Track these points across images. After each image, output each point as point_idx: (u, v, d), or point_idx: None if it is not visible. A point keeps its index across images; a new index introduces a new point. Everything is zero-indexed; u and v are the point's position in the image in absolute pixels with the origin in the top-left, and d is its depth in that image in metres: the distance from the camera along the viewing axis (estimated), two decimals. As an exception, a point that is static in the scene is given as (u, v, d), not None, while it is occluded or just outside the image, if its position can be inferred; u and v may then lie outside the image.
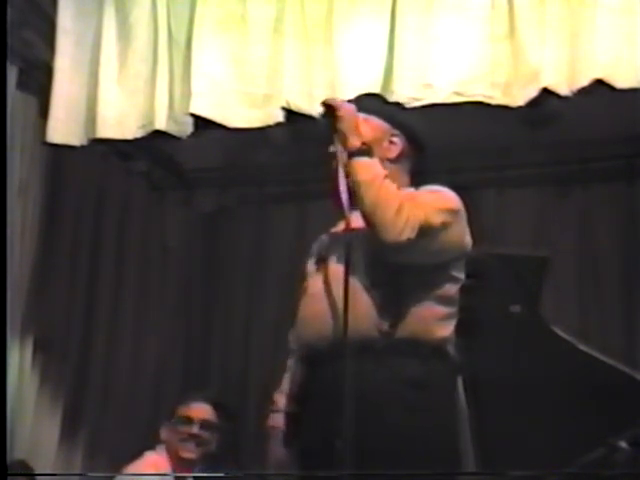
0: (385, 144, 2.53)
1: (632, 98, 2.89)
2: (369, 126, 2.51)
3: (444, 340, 2.43)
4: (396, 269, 2.37)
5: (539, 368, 2.96)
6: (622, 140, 4.05)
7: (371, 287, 2.38)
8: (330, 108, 2.46)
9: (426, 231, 2.31)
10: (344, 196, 2.35)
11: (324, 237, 2.62)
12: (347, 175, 2.40)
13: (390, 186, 2.38)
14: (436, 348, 2.40)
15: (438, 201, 2.40)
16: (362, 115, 2.50)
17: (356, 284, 2.35)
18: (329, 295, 2.41)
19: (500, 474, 2.29)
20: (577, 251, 4.26)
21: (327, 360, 2.34)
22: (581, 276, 4.23)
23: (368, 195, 2.34)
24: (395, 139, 2.54)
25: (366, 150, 2.42)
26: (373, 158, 2.43)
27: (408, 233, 2.29)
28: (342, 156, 2.41)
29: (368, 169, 2.39)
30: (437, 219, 2.34)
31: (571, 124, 3.76)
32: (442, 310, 2.43)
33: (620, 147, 4.10)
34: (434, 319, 2.41)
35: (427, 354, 2.38)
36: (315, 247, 2.63)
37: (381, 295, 2.38)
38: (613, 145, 4.11)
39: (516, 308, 3.10)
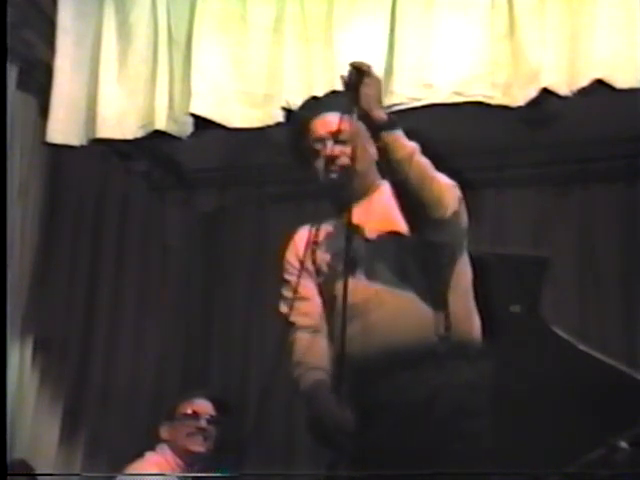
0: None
1: (632, 98, 2.89)
2: None
3: (477, 336, 2.42)
4: (436, 267, 2.35)
5: (539, 368, 2.96)
6: (622, 140, 4.05)
7: (422, 291, 2.35)
8: (359, 71, 2.28)
9: (458, 207, 2.31)
10: None
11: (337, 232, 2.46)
12: (380, 150, 2.28)
13: (425, 160, 2.30)
14: (480, 349, 2.39)
15: (446, 177, 2.37)
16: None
17: (409, 291, 2.34)
18: (379, 307, 2.34)
19: (500, 473, 2.30)
20: (577, 251, 4.26)
21: (383, 373, 2.29)
22: (581, 276, 4.23)
23: (412, 173, 2.24)
24: None
25: (394, 122, 2.28)
26: (400, 130, 2.28)
27: (453, 207, 2.27)
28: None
29: (403, 144, 2.27)
30: (458, 192, 2.35)
31: (571, 124, 3.76)
32: (472, 304, 2.43)
33: (620, 147, 4.10)
34: (471, 316, 2.41)
35: (475, 355, 2.37)
36: (335, 244, 2.46)
37: (432, 298, 2.35)
38: (613, 145, 4.11)
39: (516, 308, 3.10)
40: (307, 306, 2.48)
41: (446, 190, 2.28)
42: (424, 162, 2.29)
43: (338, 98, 2.44)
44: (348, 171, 2.32)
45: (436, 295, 2.35)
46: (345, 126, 2.33)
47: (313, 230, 2.52)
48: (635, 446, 2.46)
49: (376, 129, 2.28)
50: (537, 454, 2.86)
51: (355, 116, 2.28)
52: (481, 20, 2.98)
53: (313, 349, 2.43)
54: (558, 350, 3.02)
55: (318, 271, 2.51)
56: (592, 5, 2.88)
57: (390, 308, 2.33)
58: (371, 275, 2.37)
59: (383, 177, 2.50)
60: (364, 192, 2.48)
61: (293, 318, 2.47)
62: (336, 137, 2.38)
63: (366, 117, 2.27)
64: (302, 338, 2.46)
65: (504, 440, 2.56)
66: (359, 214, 2.39)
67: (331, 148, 2.42)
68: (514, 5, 2.95)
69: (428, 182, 2.26)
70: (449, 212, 2.26)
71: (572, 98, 2.88)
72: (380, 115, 2.27)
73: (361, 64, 2.30)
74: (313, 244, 2.51)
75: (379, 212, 2.43)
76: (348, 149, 2.37)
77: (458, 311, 2.36)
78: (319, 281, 2.50)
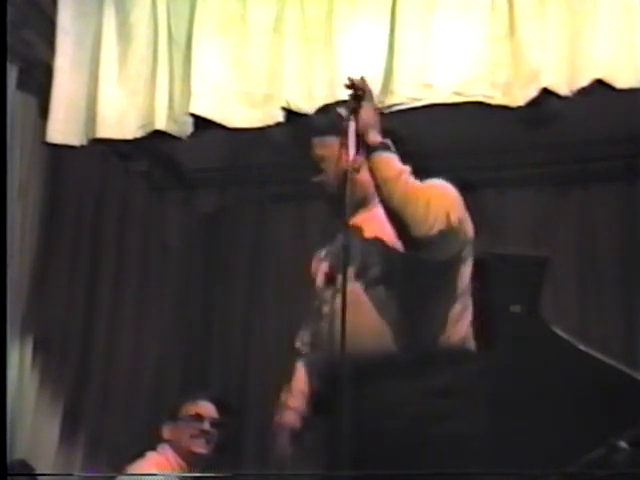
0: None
1: (632, 98, 2.89)
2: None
3: (463, 340, 2.42)
4: (411, 275, 2.37)
5: (539, 368, 2.96)
6: (622, 140, 4.05)
7: (388, 300, 2.38)
8: (357, 96, 2.40)
9: (450, 224, 2.31)
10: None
11: (334, 244, 2.56)
12: (370, 170, 2.38)
13: (415, 181, 2.36)
14: (457, 351, 2.40)
15: (450, 196, 2.39)
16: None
17: (373, 300, 2.37)
18: (353, 314, 2.32)
19: (500, 474, 2.29)
20: (577, 251, 4.26)
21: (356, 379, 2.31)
22: (581, 276, 4.23)
23: (396, 192, 2.32)
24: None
25: (387, 145, 2.38)
26: (393, 154, 2.39)
27: (439, 226, 2.28)
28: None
29: (392, 165, 2.36)
30: (458, 213, 2.35)
31: (571, 124, 3.76)
32: (457, 307, 2.43)
33: (620, 147, 4.10)
34: (452, 320, 2.41)
35: (449, 360, 2.37)
36: (328, 254, 2.59)
37: (398, 307, 2.37)
38: (613, 145, 4.11)
39: (516, 308, 3.10)
40: (307, 334, 2.63)
41: (434, 211, 2.30)
42: (412, 183, 2.35)
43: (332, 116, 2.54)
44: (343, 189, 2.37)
45: (403, 306, 2.38)
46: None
47: (322, 253, 2.64)
48: (635, 446, 2.47)
49: (369, 151, 2.38)
50: (537, 454, 2.86)
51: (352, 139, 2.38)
52: (481, 20, 2.98)
53: (296, 384, 2.60)
54: (558, 350, 3.02)
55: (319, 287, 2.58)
56: (592, 5, 2.88)
57: (363, 315, 2.36)
58: (357, 282, 2.40)
59: None
60: (363, 205, 2.53)
61: (297, 344, 2.67)
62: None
63: (361, 139, 2.38)
64: (295, 368, 2.64)
65: (504, 440, 2.56)
66: (359, 225, 2.46)
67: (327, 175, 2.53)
68: (514, 5, 2.95)
69: (412, 202, 2.30)
70: (434, 231, 2.28)
71: (572, 98, 2.88)
72: (375, 138, 2.38)
73: (359, 84, 2.42)
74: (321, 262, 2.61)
75: (378, 223, 2.45)
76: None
77: (435, 318, 2.39)
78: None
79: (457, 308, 2.43)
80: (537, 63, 2.89)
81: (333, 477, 2.27)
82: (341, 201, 2.33)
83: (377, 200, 2.47)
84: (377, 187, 2.38)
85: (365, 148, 2.39)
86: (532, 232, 4.30)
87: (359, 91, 2.41)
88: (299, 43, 3.13)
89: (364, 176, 2.45)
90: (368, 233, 2.47)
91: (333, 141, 2.49)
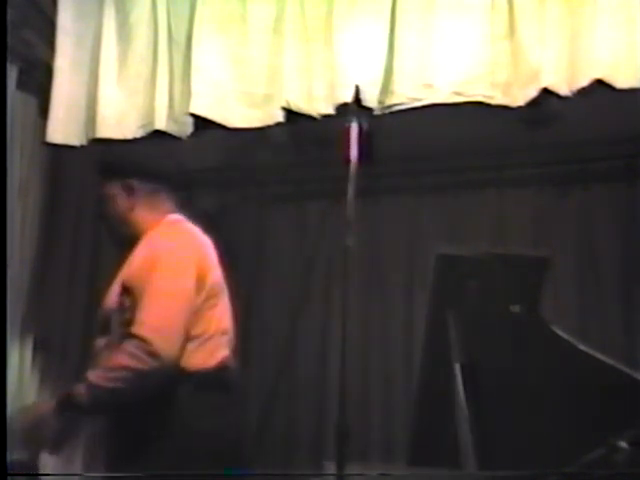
0: (122, 197, 2.74)
1: (632, 98, 2.89)
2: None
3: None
4: None
5: (539, 368, 2.96)
6: (622, 140, 4.05)
7: None
8: None
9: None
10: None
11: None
12: None
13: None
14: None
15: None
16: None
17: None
18: None
19: (500, 474, 2.30)
20: (577, 251, 4.26)
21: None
22: (581, 276, 4.23)
23: None
24: (131, 189, 2.73)
25: None
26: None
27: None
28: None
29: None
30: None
31: (571, 124, 3.76)
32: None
33: (620, 147, 4.10)
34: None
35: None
36: None
37: None
38: (613, 145, 4.11)
39: (516, 308, 3.10)
40: None
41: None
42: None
43: None
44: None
45: None
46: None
47: None
48: (635, 446, 2.46)
49: None
50: (537, 454, 2.86)
51: None
52: (481, 20, 2.98)
53: None
54: (558, 350, 3.02)
55: None
56: (592, 5, 2.88)
57: None
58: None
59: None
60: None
61: None
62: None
63: None
64: None
65: (505, 439, 2.56)
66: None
67: None
68: (514, 5, 2.95)
69: None
70: None
71: (572, 98, 2.88)
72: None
73: None
74: None
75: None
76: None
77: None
78: None
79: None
80: (537, 63, 2.90)
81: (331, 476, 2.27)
82: (117, 237, 2.69)
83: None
84: None
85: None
86: (532, 232, 4.30)
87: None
88: (299, 43, 3.14)
89: (139, 216, 2.70)
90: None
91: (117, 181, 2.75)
